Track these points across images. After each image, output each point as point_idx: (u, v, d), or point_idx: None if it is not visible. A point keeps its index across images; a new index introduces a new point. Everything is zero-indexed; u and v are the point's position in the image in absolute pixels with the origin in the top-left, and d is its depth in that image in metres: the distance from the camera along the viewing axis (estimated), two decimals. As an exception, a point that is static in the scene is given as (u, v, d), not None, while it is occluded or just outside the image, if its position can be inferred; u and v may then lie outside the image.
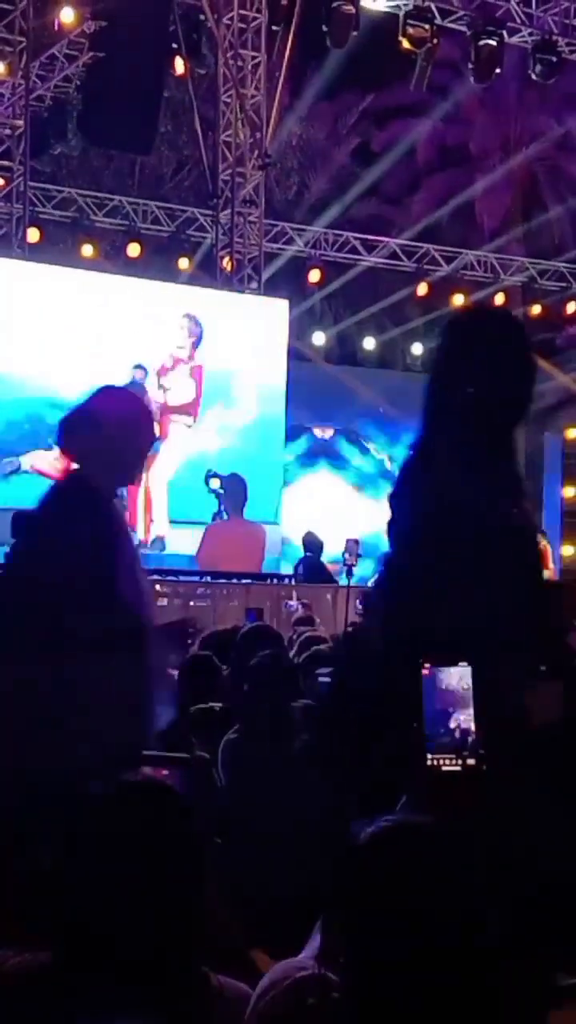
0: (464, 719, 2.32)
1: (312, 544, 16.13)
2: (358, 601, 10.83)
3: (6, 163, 16.75)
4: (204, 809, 3.45)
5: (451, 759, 2.30)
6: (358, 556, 13.06)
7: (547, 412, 22.98)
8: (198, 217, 18.95)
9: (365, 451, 21.48)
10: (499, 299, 21.38)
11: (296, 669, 4.96)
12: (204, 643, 7.28)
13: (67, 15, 16.31)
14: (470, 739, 2.32)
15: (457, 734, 2.32)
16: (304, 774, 3.77)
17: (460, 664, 2.37)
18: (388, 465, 21.52)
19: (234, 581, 14.80)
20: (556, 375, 22.73)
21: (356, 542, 13.41)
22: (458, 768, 2.30)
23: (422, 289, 20.63)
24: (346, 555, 13.19)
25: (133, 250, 18.36)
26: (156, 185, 20.28)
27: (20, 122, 16.67)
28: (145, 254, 18.47)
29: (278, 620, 11.74)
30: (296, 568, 15.96)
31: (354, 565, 13.22)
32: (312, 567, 15.71)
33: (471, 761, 2.30)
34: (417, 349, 21.88)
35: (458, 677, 2.35)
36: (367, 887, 1.70)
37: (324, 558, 16.08)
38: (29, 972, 1.94)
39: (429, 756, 2.30)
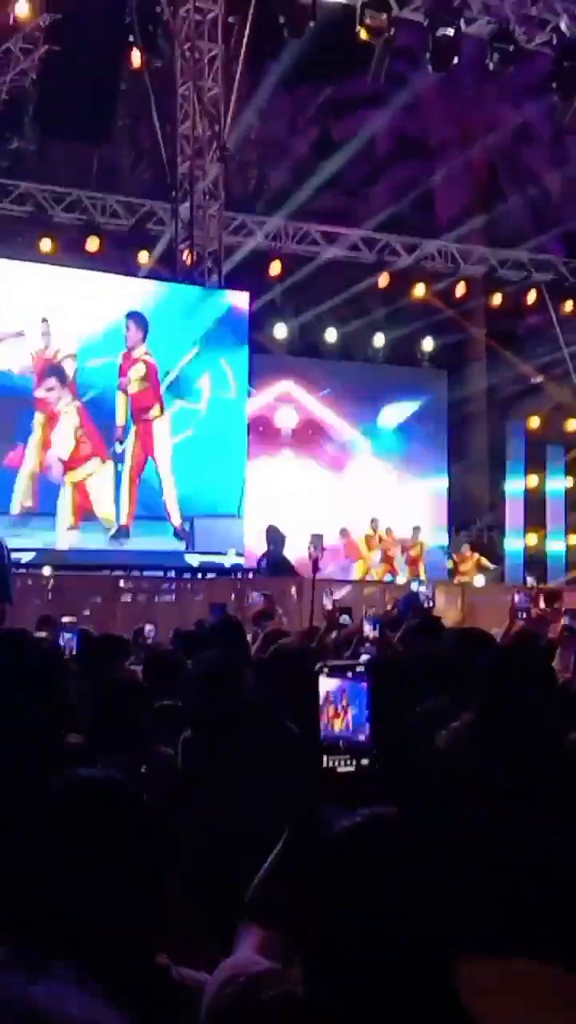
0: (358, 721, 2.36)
1: (275, 538, 16.15)
2: (324, 596, 10.85)
3: (-38, 157, 16.64)
4: (167, 806, 3.44)
5: (346, 760, 2.34)
6: (322, 551, 13.09)
7: (509, 401, 23.11)
8: (157, 211, 18.86)
9: (327, 443, 21.45)
10: (460, 289, 21.44)
11: (249, 665, 4.95)
12: (174, 637, 7.29)
13: (22, 8, 16.17)
14: (365, 741, 2.36)
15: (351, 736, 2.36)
16: (256, 772, 3.77)
17: (357, 669, 2.42)
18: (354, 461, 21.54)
19: (198, 577, 14.78)
20: (517, 364, 22.83)
21: (320, 537, 13.43)
22: (352, 769, 2.34)
23: (383, 280, 20.65)
24: (310, 549, 13.20)
25: (92, 244, 18.25)
26: (115, 179, 20.16)
27: (-24, 116, 16.55)
28: (104, 248, 18.36)
29: (242, 614, 11.72)
30: (259, 562, 15.98)
31: (319, 559, 13.23)
32: (275, 561, 15.73)
33: (364, 762, 2.34)
34: (379, 340, 21.89)
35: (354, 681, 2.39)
36: (344, 880, 1.70)
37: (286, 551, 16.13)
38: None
39: (325, 758, 2.34)
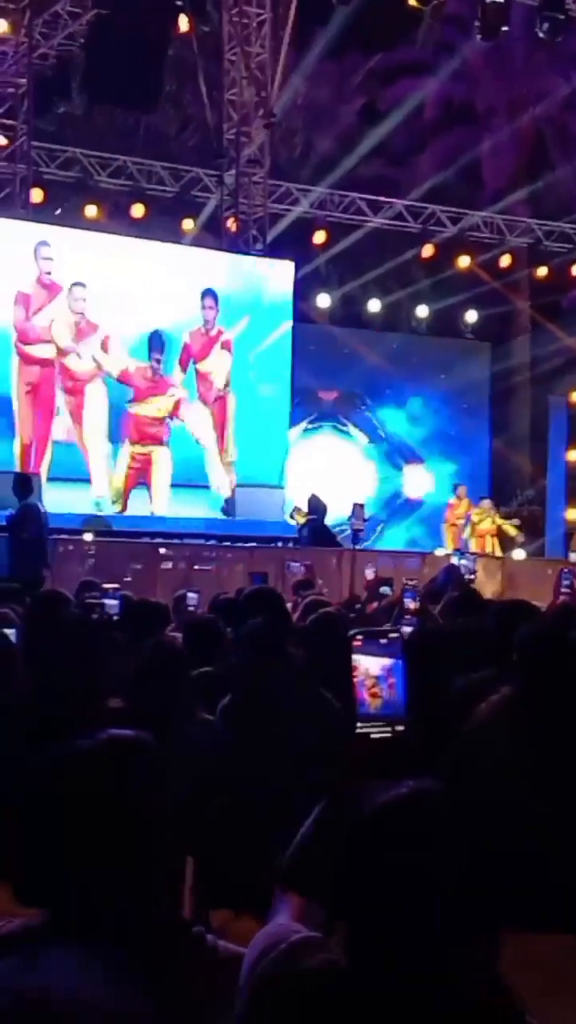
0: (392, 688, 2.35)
1: (316, 507, 16.13)
2: (365, 566, 10.85)
3: (9, 122, 16.63)
4: (190, 771, 3.47)
5: (380, 727, 2.33)
6: (364, 520, 13.02)
7: (552, 374, 22.90)
8: (203, 178, 18.79)
9: (369, 414, 21.42)
10: (505, 260, 21.27)
11: (290, 633, 4.95)
12: (212, 606, 7.31)
13: (71, -29, 16.12)
14: (400, 710, 2.35)
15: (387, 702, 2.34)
16: (294, 740, 3.79)
17: (391, 635, 2.40)
18: (396, 432, 21.50)
19: (238, 545, 14.79)
20: (562, 337, 22.61)
21: (362, 506, 13.38)
22: (387, 735, 2.33)
23: (427, 251, 20.51)
24: (352, 520, 13.16)
25: (137, 211, 18.23)
26: (161, 145, 20.08)
27: (23, 80, 16.54)
28: (150, 215, 18.33)
29: (283, 583, 11.74)
30: (300, 531, 15.97)
31: (361, 530, 13.17)
32: (317, 530, 15.72)
33: (399, 728, 2.33)
34: (422, 311, 21.76)
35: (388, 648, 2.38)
36: (386, 853, 1.70)
37: (328, 521, 16.11)
38: (14, 936, 1.94)
39: (359, 724, 2.33)
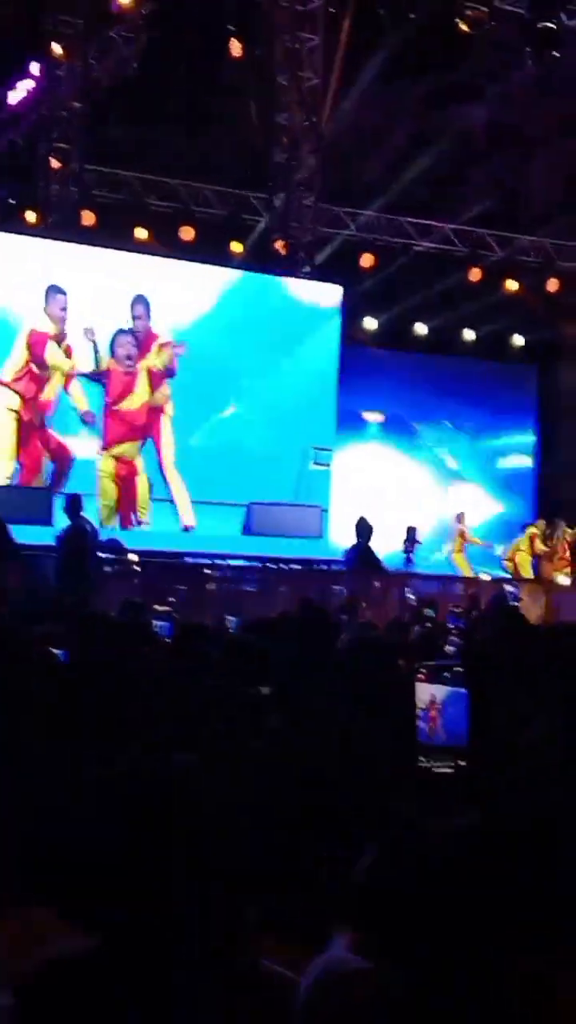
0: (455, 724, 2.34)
1: (363, 530, 16.10)
2: (407, 590, 10.83)
3: (63, 145, 16.79)
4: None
5: (441, 761, 2.31)
6: (417, 543, 12.92)
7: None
8: (251, 200, 18.90)
9: (414, 437, 21.39)
10: (553, 284, 21.20)
11: (334, 657, 4.94)
12: (250, 627, 7.32)
13: (124, -3, 16.30)
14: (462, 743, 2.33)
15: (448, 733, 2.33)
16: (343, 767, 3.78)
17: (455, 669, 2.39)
18: (441, 455, 21.46)
19: (282, 567, 14.80)
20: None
21: (415, 529, 13.24)
22: (449, 770, 2.31)
23: (475, 274, 20.49)
24: (406, 543, 13.01)
25: (187, 233, 18.34)
26: (210, 168, 20.21)
27: (77, 104, 16.71)
28: (198, 237, 18.44)
29: (327, 605, 11.72)
30: (346, 554, 15.93)
31: (412, 553, 13.06)
32: (362, 553, 15.68)
33: (461, 763, 2.31)
34: (469, 334, 21.72)
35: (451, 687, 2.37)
36: (439, 889, 1.71)
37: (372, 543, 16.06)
38: (77, 960, 1.94)
39: (421, 759, 2.31)
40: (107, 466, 16.32)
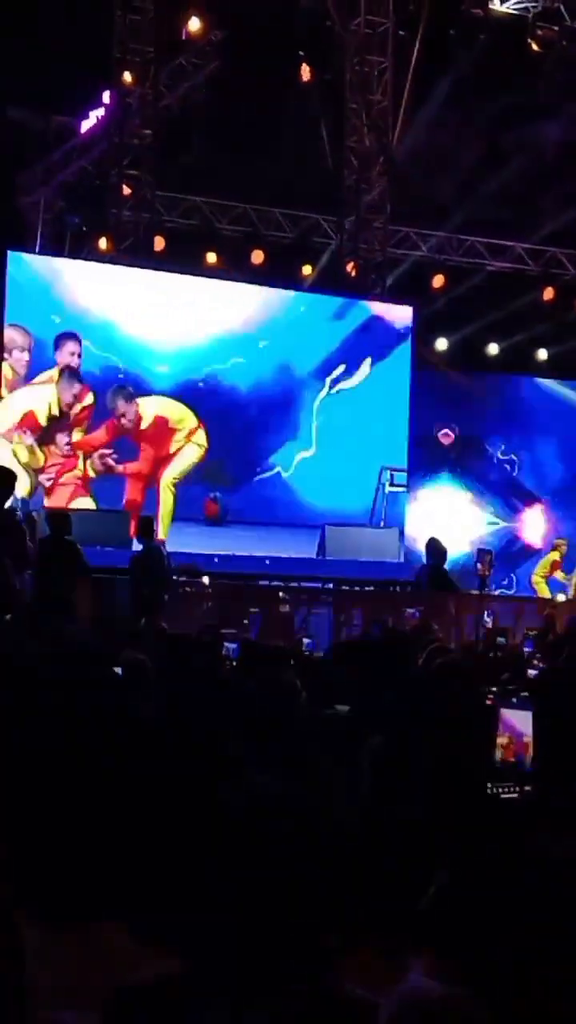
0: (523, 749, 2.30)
1: (436, 551, 15.98)
2: (484, 613, 10.72)
3: (133, 172, 16.96)
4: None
5: (509, 787, 2.28)
6: (491, 567, 12.79)
7: None
8: (321, 223, 18.95)
9: (488, 457, 21.25)
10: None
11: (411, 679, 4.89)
12: (332, 650, 7.31)
13: (194, 24, 16.49)
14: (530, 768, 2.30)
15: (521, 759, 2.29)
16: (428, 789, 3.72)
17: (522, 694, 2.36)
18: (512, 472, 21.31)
19: (356, 588, 14.74)
20: None
21: (489, 552, 13.17)
22: (515, 796, 2.28)
23: (548, 294, 20.35)
24: (479, 566, 12.92)
25: (257, 257, 18.43)
26: (280, 191, 20.32)
27: (148, 131, 16.88)
28: (268, 260, 18.52)
29: (399, 628, 11.64)
30: (419, 575, 15.84)
31: (487, 576, 12.94)
32: (435, 574, 15.56)
33: (527, 789, 2.27)
34: (542, 355, 21.56)
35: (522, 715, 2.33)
36: (521, 915, 1.66)
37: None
38: (163, 984, 1.92)
39: (489, 784, 2.28)
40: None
